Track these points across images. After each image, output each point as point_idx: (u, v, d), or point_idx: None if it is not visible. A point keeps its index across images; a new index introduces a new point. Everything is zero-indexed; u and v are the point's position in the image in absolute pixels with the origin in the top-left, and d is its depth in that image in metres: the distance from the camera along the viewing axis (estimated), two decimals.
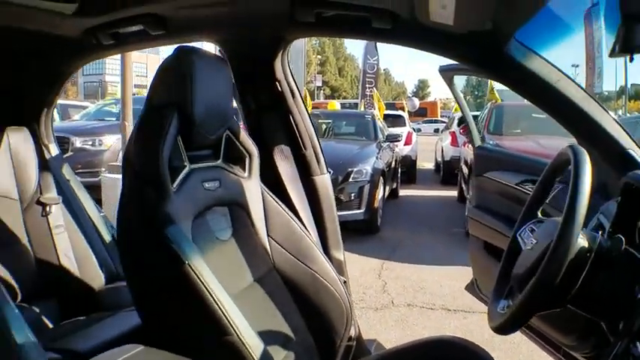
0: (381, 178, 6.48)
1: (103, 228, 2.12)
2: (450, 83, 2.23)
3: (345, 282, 1.72)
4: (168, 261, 1.15)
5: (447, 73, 2.16)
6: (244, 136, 1.50)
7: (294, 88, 1.88)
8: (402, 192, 9.32)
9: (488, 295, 1.38)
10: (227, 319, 1.16)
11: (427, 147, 13.73)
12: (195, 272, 1.15)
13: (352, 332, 1.74)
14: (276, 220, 1.55)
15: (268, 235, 1.53)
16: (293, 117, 1.88)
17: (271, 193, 1.57)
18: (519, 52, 1.42)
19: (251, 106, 1.85)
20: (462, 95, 2.71)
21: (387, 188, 7.42)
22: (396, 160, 8.50)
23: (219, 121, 1.39)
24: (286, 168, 1.86)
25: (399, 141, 8.72)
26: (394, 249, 5.62)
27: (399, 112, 13.80)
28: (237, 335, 1.17)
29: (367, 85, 14.39)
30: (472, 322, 3.65)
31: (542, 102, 1.51)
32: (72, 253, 1.96)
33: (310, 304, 1.53)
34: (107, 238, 2.12)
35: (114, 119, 7.28)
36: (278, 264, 1.52)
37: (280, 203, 1.58)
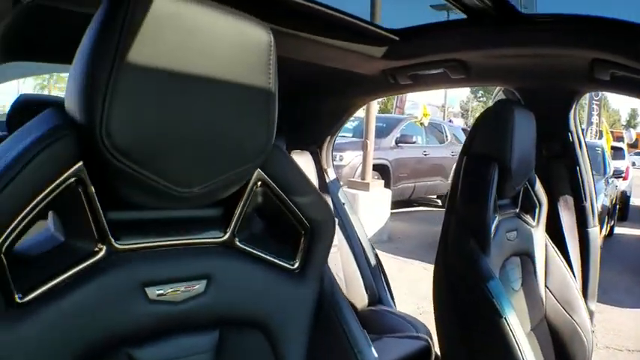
0: (606, 216, 5.78)
1: (370, 251, 2.22)
2: None
3: (592, 332, 1.73)
4: (488, 313, 1.23)
5: None
6: (539, 186, 1.54)
7: (582, 138, 1.87)
8: (616, 230, 8.22)
9: None
10: None
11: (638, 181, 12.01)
12: (509, 326, 1.22)
13: None
14: (554, 271, 1.59)
15: (545, 286, 1.58)
16: (579, 168, 1.85)
17: (552, 243, 1.60)
18: None
19: (542, 154, 1.82)
20: None
21: (607, 227, 6.61)
22: (615, 197, 7.59)
23: (526, 173, 1.43)
24: (568, 218, 1.85)
25: (622, 177, 7.70)
26: (605, 290, 4.98)
27: (619, 144, 12.11)
28: None
29: (593, 112, 13.09)
30: None
31: None
32: (342, 273, 2.10)
33: (564, 354, 1.57)
34: (373, 261, 2.21)
35: (350, 135, 7.72)
36: (548, 314, 1.57)
37: (559, 253, 1.61)
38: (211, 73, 0.60)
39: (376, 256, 2.28)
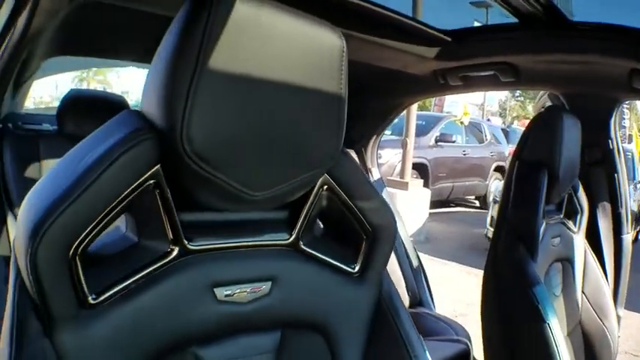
0: (634, 222, 5.53)
1: (412, 252, 2.21)
2: None
3: (618, 336, 1.76)
4: (531, 318, 1.26)
5: None
6: (582, 192, 1.59)
7: (620, 146, 1.90)
8: None
9: None
10: None
11: None
12: (551, 332, 1.24)
13: None
14: (591, 277, 1.62)
15: (582, 291, 1.60)
16: (617, 175, 1.88)
17: (590, 249, 1.63)
18: None
19: (584, 160, 1.83)
20: None
21: (634, 232, 6.31)
22: None
23: (572, 179, 1.47)
24: (605, 224, 1.87)
25: None
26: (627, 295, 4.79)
27: None
28: None
29: (625, 117, 12.63)
30: None
31: None
32: (385, 272, 2.09)
33: (593, 358, 1.60)
34: (415, 263, 2.20)
35: (389, 133, 7.67)
36: (583, 320, 1.59)
37: (595, 259, 1.65)
38: (286, 79, 0.61)
39: (418, 257, 2.27)
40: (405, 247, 2.20)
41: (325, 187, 0.73)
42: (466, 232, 6.55)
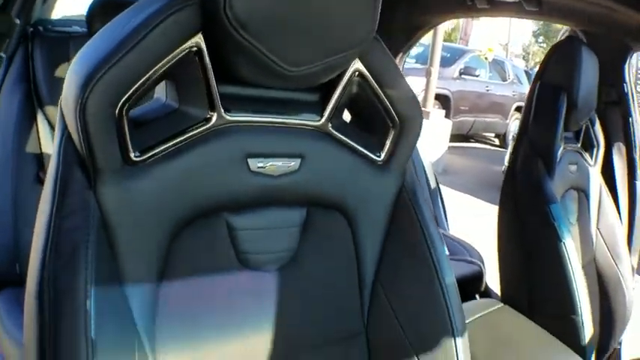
0: None
1: (430, 173, 2.25)
2: None
3: (634, 289, 1.77)
4: (547, 235, 1.28)
5: None
6: (599, 127, 1.61)
7: (634, 93, 1.92)
8: None
9: None
10: (577, 300, 1.29)
11: None
12: (567, 252, 1.27)
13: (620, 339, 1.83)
14: (606, 214, 1.63)
15: (597, 227, 1.61)
16: (632, 119, 1.89)
17: (606, 187, 1.65)
18: None
19: (601, 98, 1.84)
20: None
21: None
22: None
23: (589, 110, 1.48)
24: (620, 166, 1.89)
25: None
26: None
27: None
28: (580, 316, 1.29)
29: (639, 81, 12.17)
30: None
31: None
32: (409, 165, 2.15)
33: (607, 303, 1.61)
34: (432, 184, 2.24)
35: (413, 61, 7.51)
36: (597, 257, 1.60)
37: (611, 199, 1.66)
38: None
39: (436, 178, 2.30)
40: (423, 167, 2.23)
41: (357, 73, 0.74)
42: (485, 168, 6.54)
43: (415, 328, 0.82)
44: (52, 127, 1.55)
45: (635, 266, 1.96)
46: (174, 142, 0.64)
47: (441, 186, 2.38)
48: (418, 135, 0.83)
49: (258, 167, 0.69)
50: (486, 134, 8.87)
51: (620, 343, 1.77)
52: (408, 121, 0.79)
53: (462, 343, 0.83)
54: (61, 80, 0.66)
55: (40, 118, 1.60)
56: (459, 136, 7.72)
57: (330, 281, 0.80)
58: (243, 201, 0.71)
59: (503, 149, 7.21)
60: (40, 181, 1.48)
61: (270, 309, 0.74)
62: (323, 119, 0.74)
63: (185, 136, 0.65)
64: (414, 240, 0.83)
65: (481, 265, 1.97)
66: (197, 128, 0.65)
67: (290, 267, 0.76)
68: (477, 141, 8.77)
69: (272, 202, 0.73)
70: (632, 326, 1.70)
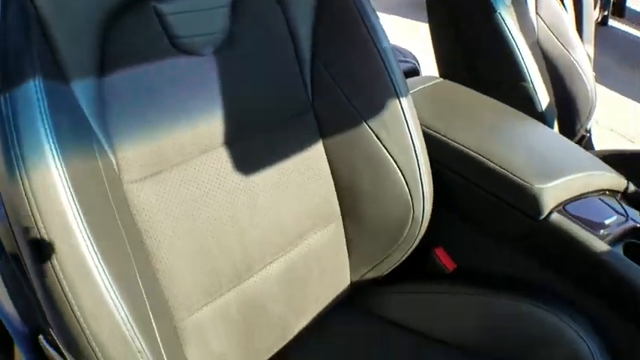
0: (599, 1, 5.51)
1: None
2: None
3: (594, 77, 1.74)
4: (481, 7, 1.25)
5: None
6: None
7: None
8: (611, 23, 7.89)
9: None
10: (524, 67, 1.29)
11: None
12: (504, 21, 1.25)
13: (588, 125, 1.80)
14: (548, 2, 1.55)
15: (537, 13, 1.55)
16: None
17: None
18: None
19: None
20: None
21: (600, 14, 6.37)
22: None
23: None
24: None
25: None
26: (603, 76, 4.76)
27: None
28: (530, 82, 1.30)
29: None
30: None
31: None
32: None
33: (562, 88, 1.57)
34: None
35: None
36: (541, 40, 1.55)
37: None
38: None
39: None
40: None
41: None
42: None
43: (360, 96, 0.84)
44: None
45: (592, 55, 1.88)
46: None
47: None
48: None
49: None
50: None
51: (589, 131, 1.75)
52: None
53: (406, 103, 0.86)
54: None
55: None
56: None
57: (269, 60, 0.80)
58: None
59: None
60: None
61: (215, 93, 0.74)
62: None
63: None
64: (346, 9, 0.84)
65: (416, 63, 1.99)
66: None
67: (226, 49, 0.75)
68: None
69: None
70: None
